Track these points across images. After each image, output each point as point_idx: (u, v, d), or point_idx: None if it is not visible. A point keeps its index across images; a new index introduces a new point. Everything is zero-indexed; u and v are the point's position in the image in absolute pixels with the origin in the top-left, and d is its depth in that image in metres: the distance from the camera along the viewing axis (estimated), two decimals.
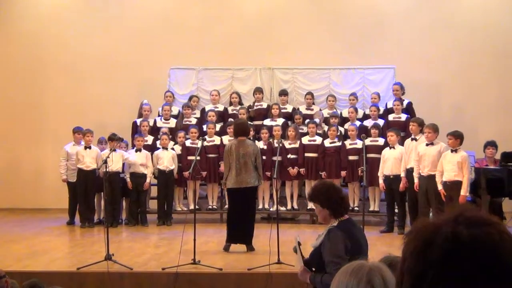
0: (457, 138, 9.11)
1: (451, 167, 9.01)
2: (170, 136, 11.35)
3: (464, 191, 8.91)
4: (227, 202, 11.20)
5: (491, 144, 10.32)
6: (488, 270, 1.25)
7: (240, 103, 11.96)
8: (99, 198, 11.09)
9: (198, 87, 12.37)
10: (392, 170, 10.10)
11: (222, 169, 10.97)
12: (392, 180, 10.08)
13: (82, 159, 10.87)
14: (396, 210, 10.25)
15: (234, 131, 9.12)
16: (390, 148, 10.23)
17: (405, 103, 11.42)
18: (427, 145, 9.45)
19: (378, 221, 10.86)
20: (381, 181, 10.22)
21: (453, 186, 8.95)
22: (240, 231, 8.53)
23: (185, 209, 11.26)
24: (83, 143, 11.04)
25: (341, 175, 10.96)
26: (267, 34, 13.30)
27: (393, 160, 10.11)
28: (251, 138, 9.54)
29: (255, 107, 11.93)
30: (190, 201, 11.10)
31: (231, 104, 12.02)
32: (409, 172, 9.79)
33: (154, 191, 11.35)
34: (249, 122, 10.20)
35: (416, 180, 9.54)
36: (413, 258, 1.31)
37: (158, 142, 11.24)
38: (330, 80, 12.16)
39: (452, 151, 9.11)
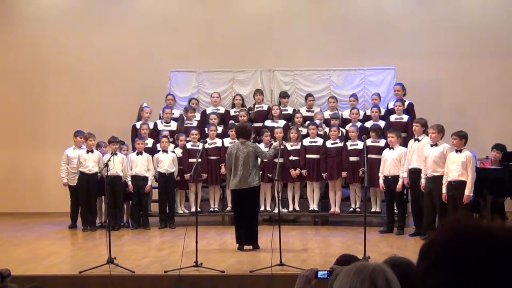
0: (461, 138, 9.16)
1: (456, 167, 9.04)
2: (171, 139, 11.35)
3: (468, 191, 8.93)
4: (229, 204, 11.25)
5: (495, 147, 10.30)
6: None
7: (243, 105, 11.96)
8: (101, 201, 11.09)
9: (199, 90, 12.36)
10: (391, 171, 10.12)
11: (223, 171, 10.99)
12: (391, 181, 10.10)
13: (84, 162, 10.87)
14: (396, 211, 10.27)
15: (236, 134, 9.29)
16: (390, 149, 10.23)
17: (406, 104, 11.39)
18: (431, 146, 9.47)
19: (380, 222, 10.84)
20: (381, 181, 10.25)
21: (458, 186, 8.99)
22: (246, 232, 8.69)
23: (187, 211, 11.25)
24: (84, 146, 11.04)
25: (342, 176, 10.98)
26: (268, 36, 13.30)
27: (391, 161, 10.13)
28: (251, 140, 9.58)
29: (255, 109, 11.93)
30: (191, 203, 11.10)
31: (233, 106, 12.02)
32: (412, 172, 9.80)
33: (155, 194, 11.34)
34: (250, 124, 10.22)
35: (422, 181, 9.55)
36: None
37: (158, 145, 11.24)
38: (331, 82, 12.15)
39: (456, 151, 9.14)
